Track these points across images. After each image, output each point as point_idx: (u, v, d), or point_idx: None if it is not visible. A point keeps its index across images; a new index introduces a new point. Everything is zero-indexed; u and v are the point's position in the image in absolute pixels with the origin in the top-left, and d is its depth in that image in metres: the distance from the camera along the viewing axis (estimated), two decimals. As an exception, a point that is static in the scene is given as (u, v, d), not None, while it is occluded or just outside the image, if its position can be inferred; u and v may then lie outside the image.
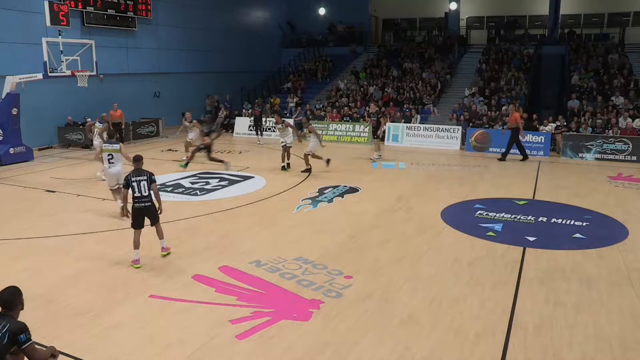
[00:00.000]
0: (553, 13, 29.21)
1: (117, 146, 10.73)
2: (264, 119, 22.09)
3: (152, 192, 8.09)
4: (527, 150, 17.56)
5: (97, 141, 14.42)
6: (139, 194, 7.99)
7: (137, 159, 8.31)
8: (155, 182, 8.17)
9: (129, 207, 8.27)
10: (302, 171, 14.91)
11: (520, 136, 17.03)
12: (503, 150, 17.50)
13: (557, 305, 6.60)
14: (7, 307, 4.36)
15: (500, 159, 17.14)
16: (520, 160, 17.06)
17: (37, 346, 4.44)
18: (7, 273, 7.58)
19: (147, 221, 8.15)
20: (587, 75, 23.19)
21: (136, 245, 8.00)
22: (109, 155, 10.64)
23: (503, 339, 5.80)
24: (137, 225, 8.07)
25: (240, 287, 7.17)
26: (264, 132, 22.09)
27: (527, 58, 25.54)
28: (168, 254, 8.41)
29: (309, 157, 14.93)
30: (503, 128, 18.49)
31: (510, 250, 8.65)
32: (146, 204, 8.05)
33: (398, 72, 26.61)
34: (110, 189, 11.03)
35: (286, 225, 10.04)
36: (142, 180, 8.02)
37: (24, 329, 4.25)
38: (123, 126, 19.87)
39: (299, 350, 5.58)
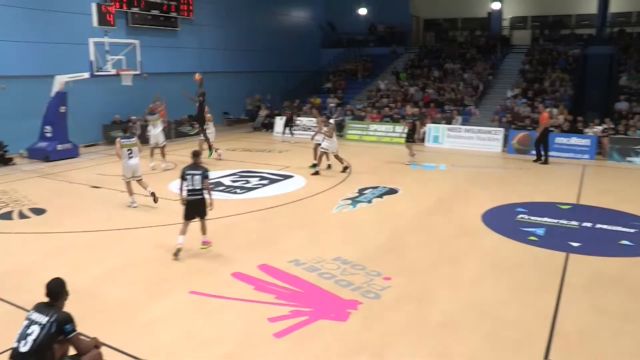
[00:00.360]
0: (602, 11, 28.34)
1: (133, 140, 11.35)
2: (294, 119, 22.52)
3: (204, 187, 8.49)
4: (571, 154, 17.26)
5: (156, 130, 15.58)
6: (192, 187, 8.42)
7: (196, 154, 8.79)
8: (208, 177, 8.54)
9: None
10: (341, 171, 14.89)
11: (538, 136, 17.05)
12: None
13: (603, 314, 6.42)
14: (53, 298, 4.54)
15: (542, 163, 16.78)
16: (533, 161, 17.01)
17: (81, 337, 4.58)
18: (51, 266, 7.81)
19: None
20: (637, 75, 22.45)
21: (182, 232, 8.37)
22: (128, 150, 11.18)
23: (544, 347, 5.67)
24: (187, 217, 8.51)
25: (279, 286, 7.21)
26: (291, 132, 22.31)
27: (572, 59, 24.91)
28: (208, 247, 8.64)
29: (337, 157, 15.08)
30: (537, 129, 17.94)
31: (553, 255, 8.45)
32: (197, 197, 8.47)
33: (439, 73, 26.33)
34: (125, 181, 11.41)
35: (325, 225, 10.05)
36: (197, 174, 8.43)
37: (69, 319, 4.42)
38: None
39: (336, 351, 5.58)
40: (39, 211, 10.96)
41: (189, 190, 8.44)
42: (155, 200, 11.24)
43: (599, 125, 18.37)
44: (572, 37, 28.70)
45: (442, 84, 25.06)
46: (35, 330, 4.30)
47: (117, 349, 5.55)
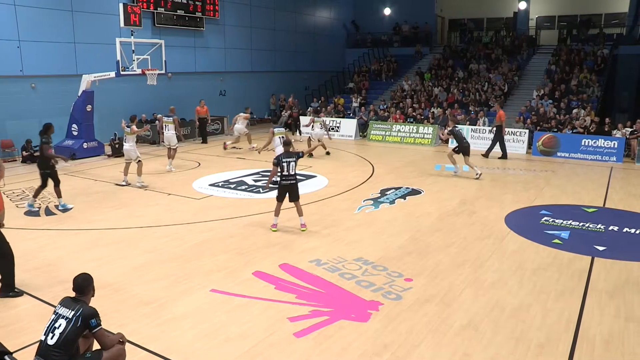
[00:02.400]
0: (634, 10, 27.73)
1: (127, 130, 13.13)
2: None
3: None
4: (597, 156, 17.15)
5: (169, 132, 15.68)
6: (287, 173, 9.36)
7: (287, 143, 9.88)
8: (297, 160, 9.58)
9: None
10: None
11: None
12: (571, 154, 17.16)
13: (630, 320, 6.29)
14: (80, 292, 4.65)
15: (484, 155, 17.84)
16: (499, 158, 17.67)
17: (106, 332, 4.66)
18: (78, 262, 7.98)
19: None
20: (668, 77, 21.97)
21: (277, 213, 9.58)
22: (124, 136, 13.26)
23: (567, 352, 5.58)
24: (281, 199, 9.54)
25: (300, 285, 7.22)
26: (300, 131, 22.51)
27: (601, 59, 24.47)
28: (305, 230, 9.56)
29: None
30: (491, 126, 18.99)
31: (578, 259, 8.32)
32: (291, 182, 9.45)
33: (464, 74, 26.11)
34: (125, 162, 13.37)
35: (347, 226, 10.04)
36: (291, 161, 9.40)
37: (95, 314, 4.51)
38: (209, 122, 21.55)
39: (357, 351, 5.57)
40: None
41: (284, 176, 9.34)
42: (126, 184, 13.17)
43: (628, 127, 18.02)
44: (601, 36, 28.15)
45: (466, 85, 24.84)
46: (62, 324, 4.41)
47: (140, 346, 5.62)
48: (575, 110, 20.22)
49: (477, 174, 14.16)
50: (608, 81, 23.97)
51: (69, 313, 4.44)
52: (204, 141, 20.73)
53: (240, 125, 18.97)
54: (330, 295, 6.94)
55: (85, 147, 17.21)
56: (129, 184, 13.22)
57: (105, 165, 16.08)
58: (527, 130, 19.23)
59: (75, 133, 17.37)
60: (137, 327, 6.02)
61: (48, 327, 4.46)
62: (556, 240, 9.16)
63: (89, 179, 14.12)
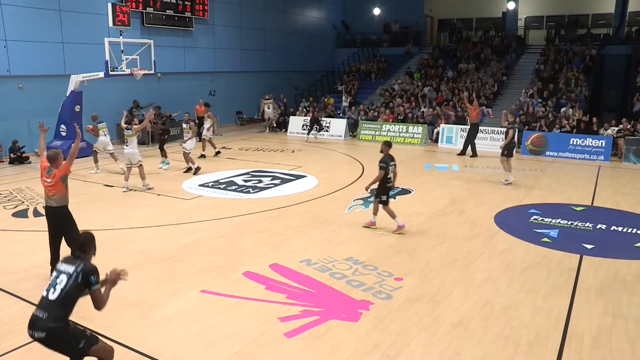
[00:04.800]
0: (620, 11, 28.01)
1: (129, 132, 12.72)
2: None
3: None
4: (585, 155, 17.39)
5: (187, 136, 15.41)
6: (391, 176, 9.47)
7: (388, 144, 9.62)
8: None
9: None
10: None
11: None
12: (559, 153, 17.30)
13: (617, 317, 6.34)
14: (82, 250, 4.67)
15: (459, 154, 18.18)
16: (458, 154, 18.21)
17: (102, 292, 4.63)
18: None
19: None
20: (655, 76, 22.17)
21: (393, 216, 9.54)
22: (125, 140, 12.87)
23: (557, 349, 5.62)
24: (387, 202, 9.58)
25: (290, 286, 7.22)
26: (317, 132, 22.08)
27: (588, 58, 24.66)
28: (401, 233, 9.48)
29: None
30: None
31: (566, 257, 8.38)
32: (391, 184, 9.64)
33: (453, 73, 26.21)
34: (126, 166, 12.91)
35: (337, 225, 10.05)
36: (394, 165, 9.54)
37: (95, 271, 4.55)
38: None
39: (347, 351, 5.57)
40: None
41: (388, 179, 9.44)
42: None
43: (615, 126, 18.16)
44: (588, 36, 28.38)
45: (456, 84, 24.94)
46: (63, 279, 4.43)
47: (129, 347, 5.59)
48: (563, 109, 20.35)
49: (508, 180, 13.52)
50: (595, 81, 24.17)
51: (70, 269, 4.47)
52: (200, 140, 20.63)
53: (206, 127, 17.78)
54: (320, 295, 6.94)
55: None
56: (132, 190, 12.78)
57: (94, 165, 15.96)
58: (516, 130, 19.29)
59: (63, 134, 17.24)
60: (127, 328, 5.99)
61: (50, 284, 4.47)
62: (545, 239, 9.21)
63: (77, 179, 14.01)
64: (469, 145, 18.17)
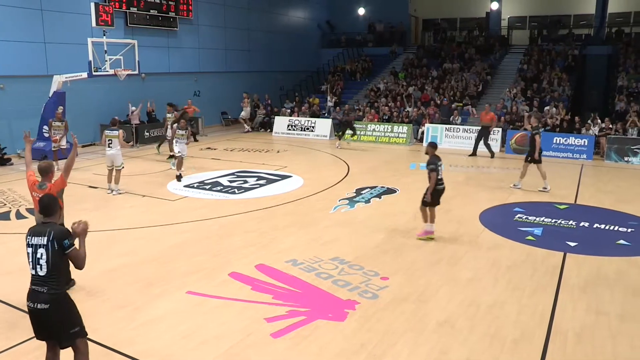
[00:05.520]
0: (600, 12, 28.39)
1: (115, 133, 12.19)
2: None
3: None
4: (569, 153, 17.57)
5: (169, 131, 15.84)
6: (441, 178, 9.19)
7: (434, 145, 9.44)
8: None
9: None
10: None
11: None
12: (543, 152, 17.39)
13: (600, 314, 6.42)
14: (47, 214, 4.62)
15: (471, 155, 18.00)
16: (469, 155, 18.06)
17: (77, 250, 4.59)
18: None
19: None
20: (636, 75, 22.45)
21: (432, 219, 9.23)
22: (108, 140, 12.19)
23: (541, 346, 5.68)
24: (434, 204, 9.21)
25: (277, 286, 7.21)
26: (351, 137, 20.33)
27: (571, 58, 24.93)
28: (430, 238, 9.17)
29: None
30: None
31: (551, 255, 8.46)
32: (443, 186, 9.29)
33: (438, 73, 26.35)
34: (108, 168, 12.43)
35: (323, 225, 10.05)
36: (442, 164, 9.27)
37: (66, 233, 4.51)
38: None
39: (334, 350, 5.58)
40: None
41: (439, 180, 9.15)
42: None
43: (596, 125, 18.38)
44: (570, 37, 28.72)
45: (440, 84, 25.08)
46: (42, 252, 4.41)
47: (115, 350, 5.55)
48: (547, 108, 20.54)
49: (544, 188, 12.77)
50: (578, 80, 24.46)
51: (42, 240, 4.42)
52: (195, 139, 20.56)
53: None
54: (306, 295, 6.94)
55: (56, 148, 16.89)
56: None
57: (77, 167, 15.76)
58: (500, 129, 19.48)
59: (46, 135, 16.99)
60: (113, 330, 5.95)
61: (32, 261, 4.45)
62: (529, 237, 9.30)
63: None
64: (487, 147, 17.97)
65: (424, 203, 9.16)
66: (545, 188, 12.76)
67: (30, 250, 4.47)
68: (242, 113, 24.22)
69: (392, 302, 6.74)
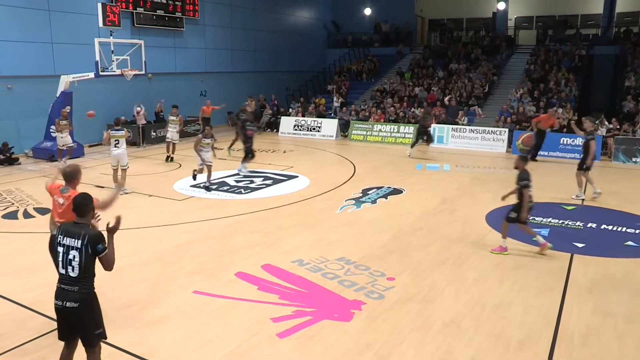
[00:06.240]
0: (608, 11, 28.22)
1: (122, 132, 12.25)
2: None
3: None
4: (576, 154, 17.50)
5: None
6: (532, 194, 8.48)
7: (524, 159, 8.82)
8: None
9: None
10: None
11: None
12: (550, 153, 17.45)
13: (607, 315, 6.40)
14: (80, 214, 4.59)
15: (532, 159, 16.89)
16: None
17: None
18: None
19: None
20: (644, 76, 22.33)
21: (530, 230, 8.55)
22: (115, 140, 12.17)
23: (548, 348, 5.66)
24: (525, 221, 8.48)
25: (283, 286, 7.22)
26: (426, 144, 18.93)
27: (578, 58, 24.82)
28: (502, 254, 8.47)
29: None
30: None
31: (557, 256, 8.43)
32: (532, 204, 8.57)
33: (444, 73, 26.30)
34: (112, 168, 12.45)
35: (329, 225, 10.06)
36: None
37: (101, 237, 4.51)
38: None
39: (340, 351, 5.58)
40: (43, 211, 10.97)
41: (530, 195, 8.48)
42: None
43: (604, 126, 18.30)
44: (577, 37, 28.59)
45: (447, 84, 25.03)
46: (75, 255, 4.42)
47: (122, 349, 5.57)
48: (553, 109, 20.44)
49: (596, 192, 12.20)
50: (585, 81, 24.34)
51: (76, 242, 4.43)
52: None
53: (171, 130, 16.99)
54: (312, 296, 6.94)
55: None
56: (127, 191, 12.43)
57: (84, 167, 15.80)
58: (506, 129, 19.43)
59: (53, 135, 17.13)
60: (118, 330, 5.95)
61: (62, 262, 4.46)
62: (536, 238, 9.25)
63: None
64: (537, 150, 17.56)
65: (511, 219, 8.50)
66: (595, 192, 12.15)
67: (61, 250, 4.47)
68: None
69: (398, 302, 6.73)
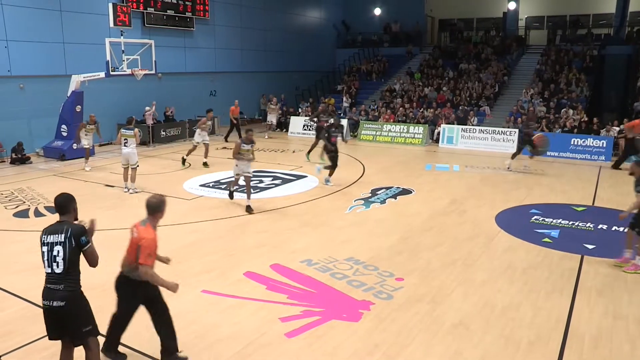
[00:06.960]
0: (620, 11, 27.98)
1: (131, 132, 12.38)
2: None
3: None
4: (586, 155, 17.36)
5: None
6: None
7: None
8: None
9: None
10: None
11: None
12: (560, 154, 17.28)
13: (617, 318, 6.35)
14: (62, 212, 4.70)
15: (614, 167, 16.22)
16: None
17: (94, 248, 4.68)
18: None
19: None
20: (656, 76, 22.13)
21: (629, 245, 8.01)
22: (124, 139, 12.37)
23: (557, 350, 5.62)
24: None
25: (291, 286, 7.22)
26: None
27: (589, 59, 24.64)
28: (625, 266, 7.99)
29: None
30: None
31: (567, 257, 8.38)
32: None
33: (454, 73, 26.21)
34: (123, 167, 12.55)
35: (338, 226, 10.05)
36: None
37: (83, 231, 4.58)
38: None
39: (348, 351, 5.57)
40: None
41: None
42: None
43: (616, 126, 18.16)
44: (589, 37, 28.36)
45: (456, 84, 24.94)
46: (59, 250, 4.47)
47: (131, 347, 5.60)
48: (564, 110, 20.33)
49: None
50: (596, 81, 24.16)
51: (60, 237, 4.49)
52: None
53: (197, 133, 16.23)
54: (321, 295, 6.94)
55: (74, 148, 17.04)
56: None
57: (94, 166, 15.97)
58: (516, 130, 19.32)
59: (64, 134, 17.26)
60: (128, 329, 5.97)
61: (47, 259, 4.50)
62: (546, 239, 9.21)
63: (79, 180, 14.03)
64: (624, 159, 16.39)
65: (634, 226, 8.00)
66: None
67: (45, 249, 4.52)
68: (269, 117, 23.37)
69: (407, 302, 6.72)
